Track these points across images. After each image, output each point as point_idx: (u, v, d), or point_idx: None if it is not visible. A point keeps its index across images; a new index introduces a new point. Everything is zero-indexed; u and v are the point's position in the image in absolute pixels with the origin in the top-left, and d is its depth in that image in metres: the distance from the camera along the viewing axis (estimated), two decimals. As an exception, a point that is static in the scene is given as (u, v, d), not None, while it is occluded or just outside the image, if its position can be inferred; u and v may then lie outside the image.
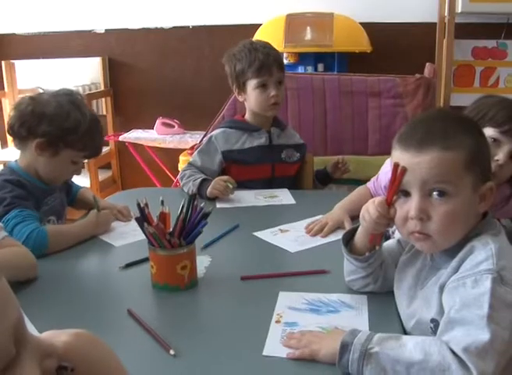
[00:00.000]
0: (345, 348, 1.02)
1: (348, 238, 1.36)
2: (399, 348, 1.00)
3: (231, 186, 2.09)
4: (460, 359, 0.94)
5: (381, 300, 1.32)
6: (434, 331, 1.11)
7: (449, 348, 0.97)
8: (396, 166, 1.12)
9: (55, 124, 1.71)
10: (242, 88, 2.28)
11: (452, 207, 1.09)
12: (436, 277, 1.15)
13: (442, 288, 1.10)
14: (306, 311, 1.27)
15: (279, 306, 1.29)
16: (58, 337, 0.70)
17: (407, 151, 1.12)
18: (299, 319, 1.23)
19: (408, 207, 1.12)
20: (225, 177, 2.13)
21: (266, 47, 2.28)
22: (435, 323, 1.11)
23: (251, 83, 2.24)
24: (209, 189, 2.07)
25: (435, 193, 1.09)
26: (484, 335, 0.95)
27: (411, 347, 0.99)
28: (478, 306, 0.99)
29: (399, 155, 1.14)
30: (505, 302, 1.01)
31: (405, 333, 1.19)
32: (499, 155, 1.61)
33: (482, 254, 1.07)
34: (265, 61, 2.21)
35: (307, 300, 1.32)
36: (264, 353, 1.09)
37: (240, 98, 2.33)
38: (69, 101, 1.76)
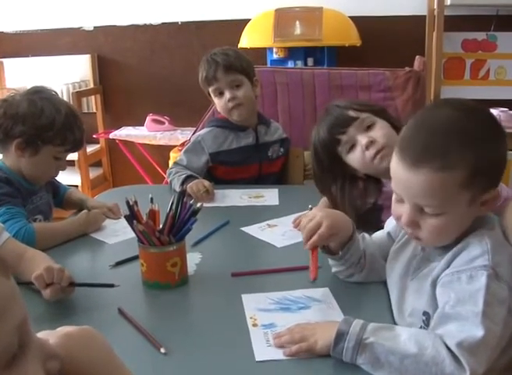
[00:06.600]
0: (340, 337, 1.03)
1: None
2: (393, 339, 1.00)
3: (206, 194, 2.04)
4: (453, 354, 0.95)
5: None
6: (426, 324, 1.11)
7: (443, 342, 0.97)
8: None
9: (29, 123, 1.70)
10: (209, 97, 2.32)
11: (441, 223, 1.07)
12: (428, 270, 1.15)
13: (434, 282, 1.10)
14: (277, 310, 1.25)
15: (248, 309, 1.25)
16: (48, 338, 0.69)
17: (403, 160, 1.07)
18: (274, 319, 1.20)
19: (402, 210, 1.11)
20: (206, 183, 2.08)
21: (218, 54, 2.26)
22: (426, 316, 1.12)
23: (211, 93, 2.28)
24: (188, 186, 2.02)
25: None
26: (478, 332, 0.96)
27: (406, 338, 1.00)
28: (473, 303, 1.00)
29: (394, 164, 1.10)
30: (498, 298, 1.01)
31: (394, 322, 1.20)
32: None
33: (478, 249, 1.06)
34: (209, 69, 2.23)
35: (273, 299, 1.30)
36: (257, 359, 1.07)
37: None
38: (41, 98, 1.75)
